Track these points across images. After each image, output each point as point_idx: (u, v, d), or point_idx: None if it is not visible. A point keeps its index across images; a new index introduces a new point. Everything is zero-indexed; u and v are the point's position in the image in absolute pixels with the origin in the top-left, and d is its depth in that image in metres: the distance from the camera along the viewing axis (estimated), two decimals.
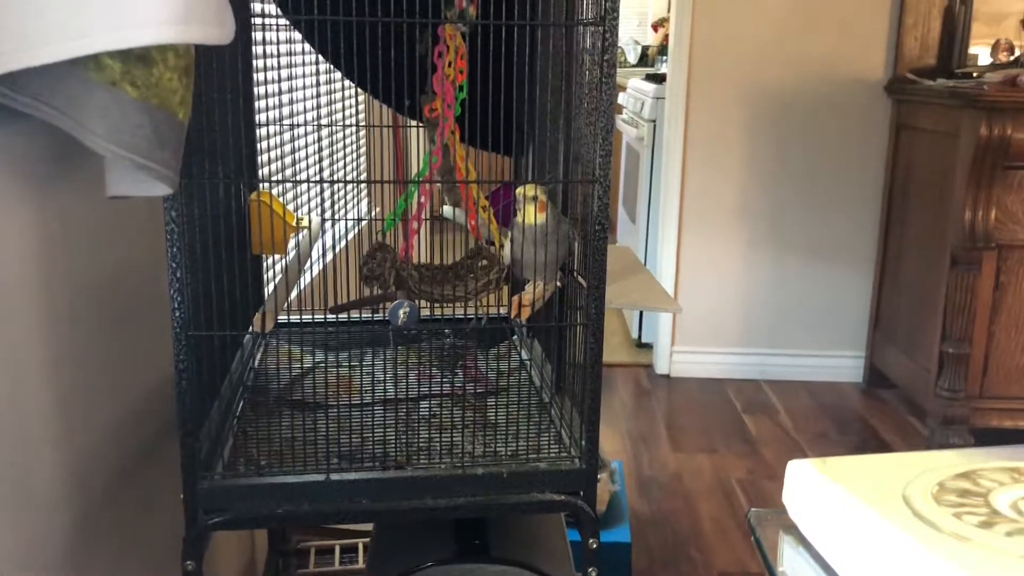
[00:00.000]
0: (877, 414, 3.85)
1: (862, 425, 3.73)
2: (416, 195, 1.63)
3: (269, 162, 2.11)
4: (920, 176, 3.74)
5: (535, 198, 1.50)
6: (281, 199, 1.87)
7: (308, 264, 1.86)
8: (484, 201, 1.71)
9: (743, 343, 4.18)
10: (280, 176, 1.96)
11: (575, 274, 1.57)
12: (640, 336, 4.53)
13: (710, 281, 4.14)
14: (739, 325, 4.17)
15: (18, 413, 1.20)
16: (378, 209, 2.13)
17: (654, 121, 4.29)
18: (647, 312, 4.44)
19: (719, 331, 4.18)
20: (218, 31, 1.05)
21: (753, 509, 1.13)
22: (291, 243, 1.78)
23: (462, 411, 1.61)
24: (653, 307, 1.88)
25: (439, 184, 1.79)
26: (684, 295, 4.16)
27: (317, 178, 1.47)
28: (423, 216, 1.63)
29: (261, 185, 1.86)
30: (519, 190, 1.49)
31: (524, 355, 1.96)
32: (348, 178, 1.71)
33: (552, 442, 1.51)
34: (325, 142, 2.23)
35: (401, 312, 1.42)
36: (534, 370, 1.85)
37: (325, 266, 1.49)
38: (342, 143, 1.99)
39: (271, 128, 1.97)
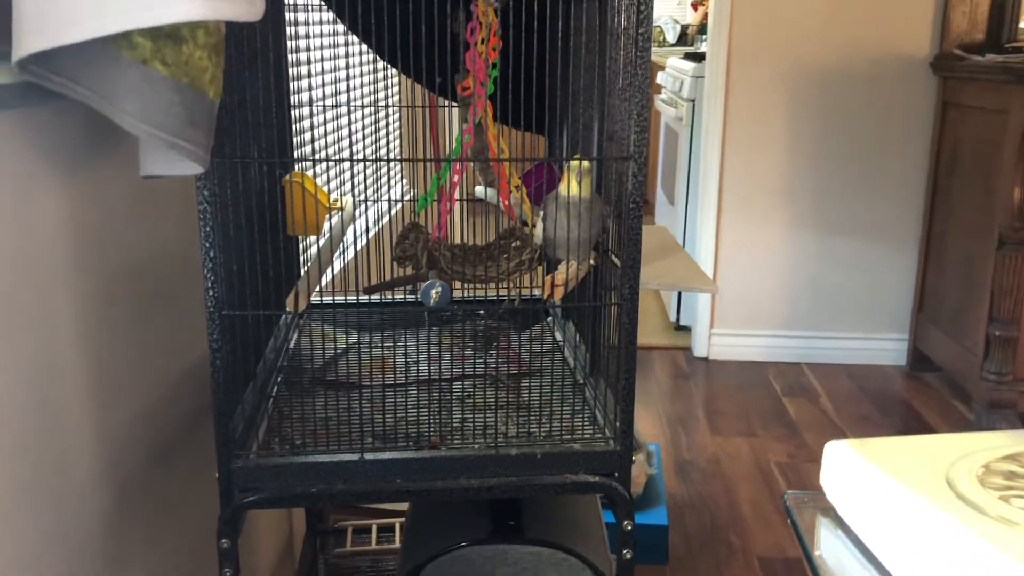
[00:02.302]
0: (920, 397, 3.80)
1: (905, 409, 3.68)
2: (449, 175, 1.63)
3: (303, 144, 2.11)
4: (967, 155, 3.66)
5: (590, 171, 1.50)
6: (316, 180, 1.88)
7: (342, 245, 1.86)
8: (517, 180, 1.70)
9: (783, 325, 4.14)
10: (314, 156, 1.96)
11: (609, 253, 1.55)
12: (678, 318, 4.50)
13: (750, 262, 4.10)
14: (779, 307, 4.13)
15: (54, 396, 1.21)
16: (413, 191, 2.13)
17: (693, 101, 4.25)
18: (685, 293, 4.41)
19: (759, 313, 4.15)
20: (247, 8, 1.04)
21: (789, 491, 1.12)
22: (325, 224, 1.79)
23: (496, 392, 1.61)
24: (690, 287, 1.87)
25: (472, 163, 1.79)
26: (723, 277, 4.12)
27: (351, 158, 1.47)
28: (456, 196, 1.62)
29: (296, 166, 1.87)
30: (573, 162, 1.49)
31: (558, 336, 1.95)
32: (382, 158, 1.70)
33: (586, 423, 1.50)
34: (360, 124, 2.23)
35: (433, 292, 1.42)
36: (568, 351, 1.85)
37: (359, 247, 1.49)
38: (378, 123, 1.99)
39: (305, 109, 1.98)
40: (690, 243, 4.34)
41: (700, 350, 4.22)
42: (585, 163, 1.49)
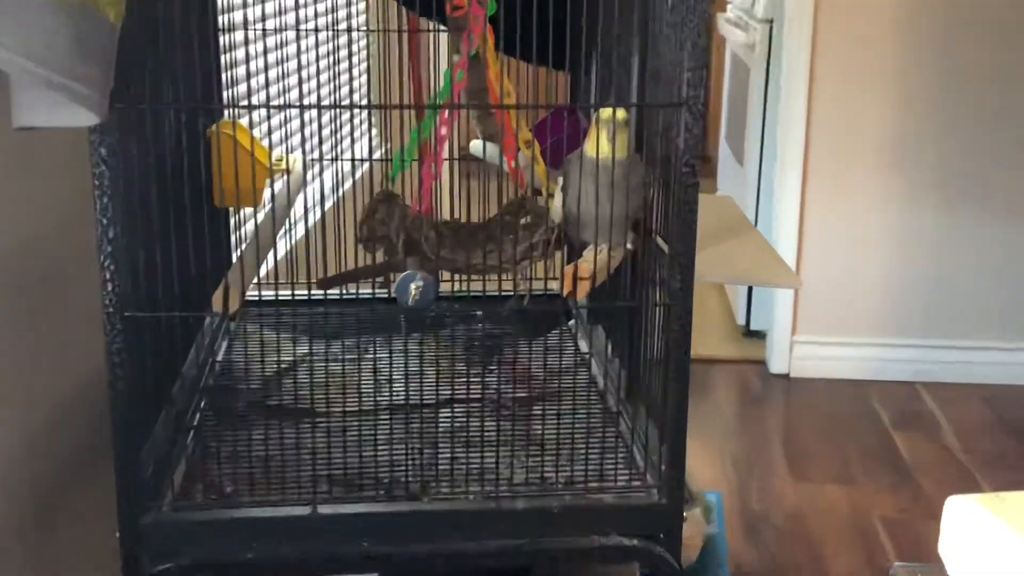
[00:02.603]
0: None
1: None
2: (434, 126, 1.63)
3: (236, 83, 2.11)
4: None
5: (627, 123, 1.50)
6: (253, 132, 1.88)
7: (289, 221, 1.86)
8: (528, 134, 1.70)
9: (892, 332, 4.13)
10: (250, 100, 1.96)
11: (653, 235, 1.56)
12: (748, 322, 4.49)
13: (846, 246, 4.08)
14: (886, 308, 4.12)
15: None
16: (386, 146, 2.13)
17: (771, 22, 4.22)
18: (757, 289, 4.39)
19: (858, 315, 4.13)
20: None
21: (898, 564, 1.12)
22: (266, 192, 1.80)
23: (498, 422, 1.61)
24: (764, 281, 1.87)
25: (467, 110, 1.79)
26: (810, 266, 4.10)
27: (300, 103, 1.48)
28: (444, 155, 1.62)
29: (226, 113, 1.87)
30: (603, 112, 1.49)
31: (583, 346, 1.96)
32: (343, 102, 1.71)
33: (621, 466, 1.50)
34: (314, 55, 2.22)
35: (413, 287, 1.43)
36: (596, 366, 1.85)
37: (312, 224, 1.49)
38: (338, 55, 1.98)
39: (239, 35, 1.98)
40: (764, 219, 4.32)
41: (778, 364, 4.21)
42: (620, 112, 1.49)
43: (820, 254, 4.15)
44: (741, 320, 4.56)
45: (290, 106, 1.31)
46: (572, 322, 2.08)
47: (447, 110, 1.59)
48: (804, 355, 4.23)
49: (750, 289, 4.45)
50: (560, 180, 1.59)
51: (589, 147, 1.51)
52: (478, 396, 1.69)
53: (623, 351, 1.72)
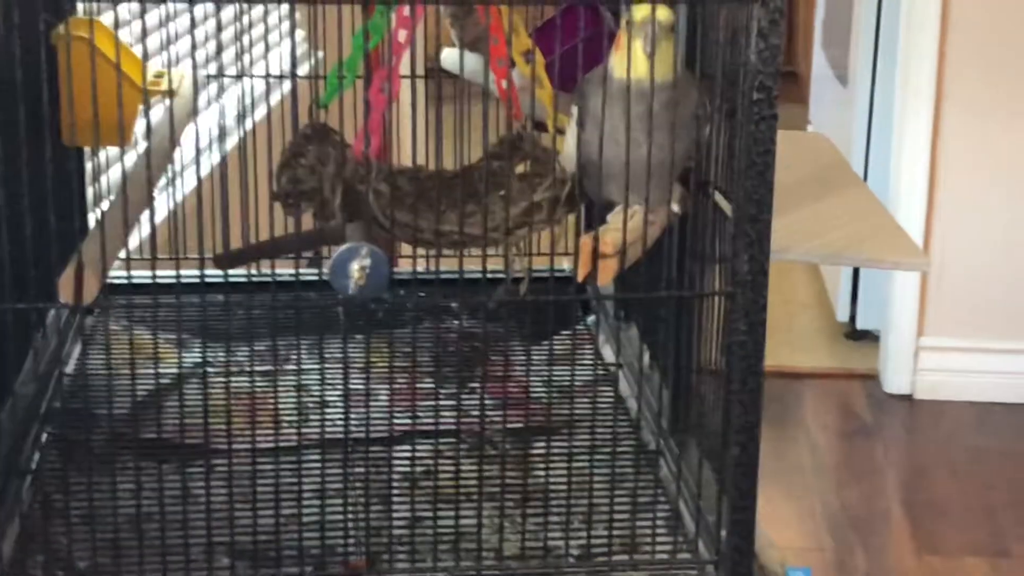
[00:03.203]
0: None
1: None
2: (387, 26, 1.63)
3: None
4: None
5: (671, 29, 1.50)
6: (121, 35, 1.87)
7: (172, 168, 1.85)
8: (526, 40, 1.70)
9: None
10: None
11: (711, 191, 1.56)
12: (853, 319, 4.50)
13: (999, 212, 4.09)
14: None
15: None
16: (317, 57, 2.13)
17: None
18: (867, 271, 4.38)
19: (1013, 311, 4.14)
20: None
21: None
22: (139, 124, 1.79)
23: (480, 466, 1.59)
24: (875, 260, 1.86)
25: (435, 4, 1.79)
26: (944, 239, 4.11)
27: None
28: (401, 72, 1.62)
29: (79, 7, 1.87)
30: (637, 9, 1.49)
31: (607, 354, 1.97)
32: None
33: (661, 530, 1.51)
34: None
35: (355, 267, 1.43)
36: (627, 384, 1.85)
37: (208, 173, 1.49)
38: None
39: None
40: (877, 168, 4.32)
41: (896, 380, 4.22)
42: (663, 10, 1.49)
43: (959, 221, 4.15)
44: (843, 316, 4.56)
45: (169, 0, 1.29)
46: (591, 319, 2.09)
47: (406, 3, 1.58)
48: (934, 367, 4.24)
49: (856, 272, 4.45)
50: (574, 110, 1.59)
51: (617, 62, 1.51)
52: (452, 427, 1.69)
53: (666, 362, 1.73)
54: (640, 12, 1.49)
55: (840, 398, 4.28)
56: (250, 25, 1.73)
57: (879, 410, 4.19)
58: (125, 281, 1.90)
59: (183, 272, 1.73)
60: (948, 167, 4.11)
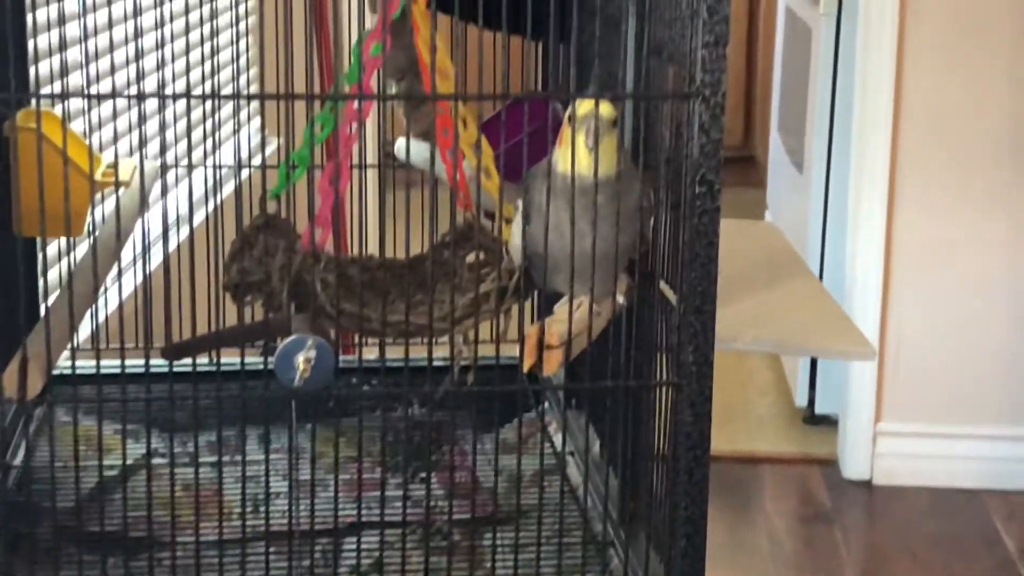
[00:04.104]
0: None
1: None
2: (339, 117, 1.64)
3: (51, 54, 2.09)
4: None
5: (614, 124, 1.51)
6: (72, 126, 1.87)
7: (121, 258, 1.85)
8: (474, 131, 1.70)
9: (1020, 419, 4.14)
10: (65, 82, 1.95)
11: (658, 282, 1.57)
12: (813, 403, 4.50)
13: (953, 298, 4.10)
14: (1011, 385, 4.13)
15: None
16: (277, 143, 2.13)
17: None
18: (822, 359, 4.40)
19: (970, 396, 4.14)
20: None
21: None
22: (89, 215, 1.79)
23: (426, 556, 1.60)
24: (822, 350, 1.87)
25: (387, 99, 1.79)
26: (900, 324, 4.11)
27: (143, 89, 1.48)
28: (352, 161, 1.63)
29: (33, 100, 1.87)
30: (580, 105, 1.50)
31: (558, 442, 1.96)
32: (206, 91, 1.71)
33: None
34: (167, 8, 2.22)
35: (300, 359, 1.43)
36: (575, 472, 1.86)
37: (159, 263, 1.48)
38: (214, 9, 1.98)
39: None
40: (834, 252, 4.34)
41: (855, 466, 4.22)
42: (605, 107, 1.50)
43: (915, 306, 4.17)
44: (802, 401, 4.56)
45: (122, 94, 1.31)
46: (546, 406, 2.08)
47: (355, 100, 1.59)
48: (892, 452, 4.24)
49: (814, 361, 4.45)
50: (519, 202, 1.61)
51: (561, 156, 1.53)
52: (397, 519, 1.68)
53: (617, 450, 1.72)
54: (583, 107, 1.50)
55: (799, 483, 4.27)
56: (206, 114, 1.73)
57: (838, 495, 4.18)
58: (70, 370, 1.90)
59: (130, 362, 1.73)
60: (903, 252, 4.13)
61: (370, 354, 2.01)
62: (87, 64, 2.01)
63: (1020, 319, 4.13)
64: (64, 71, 1.91)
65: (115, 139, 1.92)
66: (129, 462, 1.82)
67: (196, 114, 1.64)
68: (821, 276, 4.31)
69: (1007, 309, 4.13)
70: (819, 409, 4.51)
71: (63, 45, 1.91)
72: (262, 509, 1.70)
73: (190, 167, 1.77)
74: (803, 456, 4.40)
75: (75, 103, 2.01)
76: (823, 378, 4.47)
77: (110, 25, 2.05)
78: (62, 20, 1.95)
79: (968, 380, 4.17)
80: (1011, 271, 4.10)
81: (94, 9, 2.00)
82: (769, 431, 4.56)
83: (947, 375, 4.17)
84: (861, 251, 4.14)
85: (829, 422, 4.48)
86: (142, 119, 1.48)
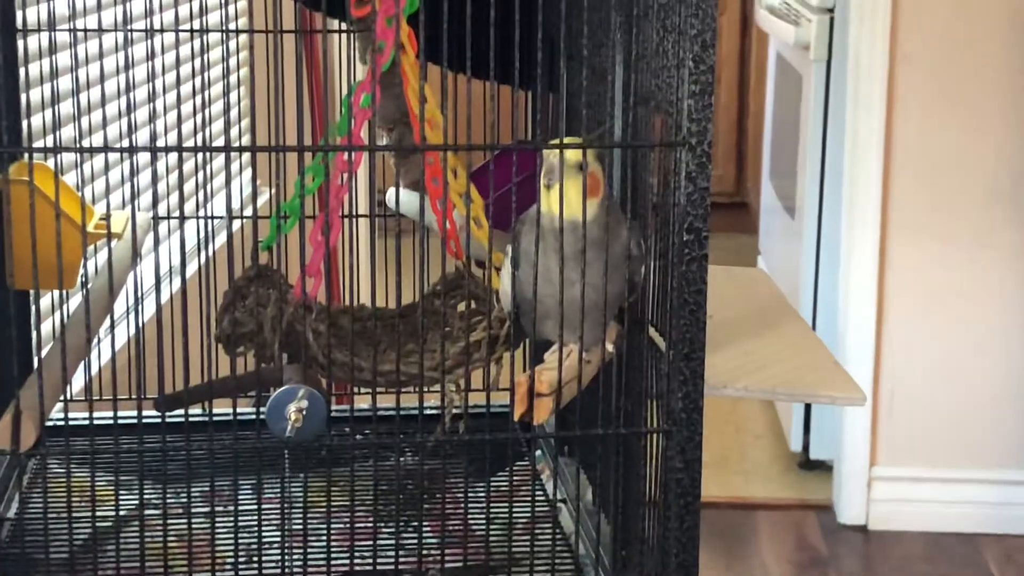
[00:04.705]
0: None
1: None
2: (330, 168, 1.65)
3: (43, 109, 2.10)
4: None
5: (581, 167, 1.51)
6: (65, 179, 1.87)
7: (118, 308, 1.85)
8: (464, 180, 1.71)
9: (1016, 463, 4.13)
10: (57, 135, 1.96)
11: (647, 328, 1.57)
12: (808, 448, 4.49)
13: (947, 341, 4.09)
14: (1007, 428, 4.12)
15: None
16: (268, 194, 2.14)
17: (831, 11, 4.28)
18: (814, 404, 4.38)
19: (966, 439, 4.12)
20: None
21: None
22: (81, 268, 1.81)
23: None
24: (812, 395, 1.86)
25: (377, 150, 1.80)
26: (893, 367, 4.10)
27: (134, 143, 1.50)
28: (341, 211, 1.63)
29: (25, 153, 1.88)
30: (549, 153, 1.51)
31: (551, 488, 1.96)
32: (197, 143, 1.72)
33: None
34: (159, 62, 2.23)
35: (292, 410, 1.43)
36: (567, 520, 1.85)
37: (151, 315, 1.49)
38: (206, 62, 1.99)
39: (45, 37, 1.99)
40: (827, 297, 4.33)
41: (850, 510, 4.20)
42: (572, 153, 1.51)
43: (908, 350, 4.16)
44: (796, 446, 4.55)
45: (122, 148, 1.32)
46: (538, 454, 2.08)
47: (346, 151, 1.60)
48: (888, 497, 4.23)
49: (808, 406, 4.44)
50: (508, 249, 1.61)
51: (548, 201, 1.53)
52: (390, 567, 1.68)
53: (609, 497, 1.73)
54: (570, 155, 1.51)
55: (794, 529, 4.26)
56: (199, 166, 1.74)
57: (834, 541, 4.17)
58: (63, 422, 1.90)
59: (122, 413, 1.73)
60: (896, 296, 4.13)
61: (362, 402, 2.01)
62: (79, 117, 2.03)
63: (1014, 363, 4.13)
64: (56, 124, 1.92)
65: (107, 191, 1.93)
66: (122, 513, 1.82)
67: (188, 166, 1.65)
68: (814, 321, 4.31)
69: (1001, 353, 4.13)
70: (814, 454, 4.50)
71: (56, 99, 1.93)
72: (255, 559, 1.70)
73: (182, 218, 1.78)
74: (798, 501, 4.39)
75: (68, 156, 2.02)
76: (817, 423, 4.45)
77: (102, 79, 2.07)
78: (55, 74, 1.97)
79: (963, 424, 4.16)
80: (1004, 315, 4.11)
81: (86, 63, 2.02)
82: (764, 476, 4.54)
83: (942, 419, 4.16)
84: (854, 296, 4.14)
85: (824, 467, 4.47)
86: (134, 171, 1.50)
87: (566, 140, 1.53)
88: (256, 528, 1.71)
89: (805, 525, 4.26)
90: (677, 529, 1.45)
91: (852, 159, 4.11)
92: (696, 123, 1.38)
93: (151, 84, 1.67)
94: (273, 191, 1.70)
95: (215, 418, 1.77)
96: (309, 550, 1.71)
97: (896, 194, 4.08)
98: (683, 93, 1.38)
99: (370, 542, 1.73)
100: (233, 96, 2.26)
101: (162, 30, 2.05)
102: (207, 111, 1.79)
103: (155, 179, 1.44)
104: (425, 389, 1.67)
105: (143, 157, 1.52)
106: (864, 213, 4.09)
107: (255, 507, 1.75)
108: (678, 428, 1.45)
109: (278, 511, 1.82)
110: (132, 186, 1.54)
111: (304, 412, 1.46)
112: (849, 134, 4.12)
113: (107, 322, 1.72)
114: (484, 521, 1.83)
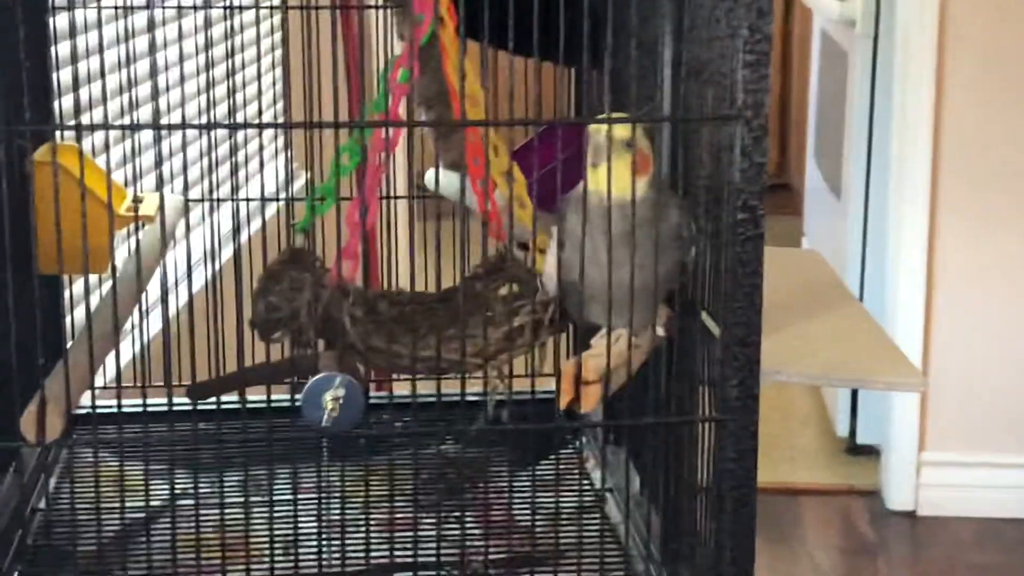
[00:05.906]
0: None
1: None
2: (367, 147, 1.63)
3: (76, 89, 2.10)
4: None
5: (629, 145, 1.50)
6: (97, 160, 1.86)
7: (150, 294, 1.84)
8: (505, 160, 1.70)
9: None
10: (89, 114, 1.95)
11: (699, 311, 1.55)
12: (854, 433, 4.48)
13: (1000, 322, 4.07)
14: None
15: None
16: (305, 177, 2.13)
17: None
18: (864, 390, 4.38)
19: (1017, 423, 4.11)
20: None
21: None
22: (118, 248, 1.78)
23: None
24: (867, 380, 1.84)
25: (416, 126, 1.78)
26: (944, 351, 4.09)
27: (169, 120, 1.47)
28: (379, 191, 1.62)
29: (57, 133, 1.87)
30: (594, 128, 1.50)
31: (597, 478, 1.96)
32: (233, 120, 1.70)
33: None
34: (191, 41, 2.22)
35: (328, 399, 1.41)
36: (615, 509, 1.84)
37: (185, 300, 1.48)
38: (234, 39, 1.98)
39: (78, 15, 1.98)
40: (873, 280, 4.33)
41: (899, 496, 4.20)
42: (620, 128, 1.49)
43: (958, 333, 4.14)
44: (843, 431, 4.54)
45: (144, 125, 1.29)
46: (584, 441, 2.07)
47: (382, 128, 1.58)
48: (937, 482, 4.21)
49: (855, 391, 4.43)
50: (554, 230, 1.59)
51: (595, 180, 1.51)
52: (432, 559, 1.67)
53: (657, 487, 1.71)
54: (618, 130, 1.49)
55: (842, 515, 4.25)
56: (234, 147, 1.72)
57: (882, 527, 4.16)
58: (92, 410, 1.89)
59: (151, 401, 1.73)
60: (945, 278, 4.11)
61: (402, 389, 2.00)
62: (108, 99, 2.02)
63: None
64: (88, 105, 1.91)
65: (138, 174, 1.91)
66: (154, 503, 1.81)
67: (222, 148, 1.63)
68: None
69: None
70: (861, 439, 4.48)
71: (88, 78, 1.91)
72: (291, 551, 1.68)
73: (216, 201, 1.76)
74: (845, 487, 4.38)
75: (102, 137, 2.01)
76: (864, 407, 4.44)
77: (132, 59, 2.06)
78: (87, 53, 1.96)
79: (1013, 407, 4.14)
80: None
81: (116, 43, 2.01)
82: (810, 462, 4.54)
83: (992, 402, 4.14)
84: (903, 277, 4.12)
85: (871, 452, 4.46)
86: (159, 152, 1.48)
87: (613, 116, 1.50)
88: (292, 519, 1.70)
89: (852, 511, 4.26)
90: (731, 522, 1.43)
91: (900, 138, 4.10)
92: (752, 95, 1.35)
93: (181, 63, 1.66)
94: (309, 174, 1.69)
95: (248, 405, 1.76)
96: (347, 541, 1.69)
97: (945, 174, 4.06)
98: (737, 64, 1.36)
99: (410, 533, 1.72)
100: (268, 77, 2.25)
101: (194, 7, 2.05)
102: (244, 91, 1.76)
103: (186, 161, 1.41)
104: (467, 375, 1.65)
105: (174, 137, 1.51)
106: (913, 193, 4.07)
107: (291, 497, 1.75)
108: (732, 417, 1.42)
109: (315, 501, 1.80)
110: (161, 167, 1.52)
111: (341, 401, 1.44)
112: (897, 112, 4.11)
113: (137, 309, 1.71)
114: (529, 511, 1.81)
